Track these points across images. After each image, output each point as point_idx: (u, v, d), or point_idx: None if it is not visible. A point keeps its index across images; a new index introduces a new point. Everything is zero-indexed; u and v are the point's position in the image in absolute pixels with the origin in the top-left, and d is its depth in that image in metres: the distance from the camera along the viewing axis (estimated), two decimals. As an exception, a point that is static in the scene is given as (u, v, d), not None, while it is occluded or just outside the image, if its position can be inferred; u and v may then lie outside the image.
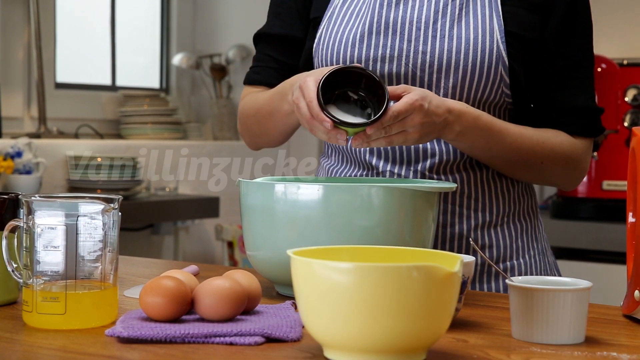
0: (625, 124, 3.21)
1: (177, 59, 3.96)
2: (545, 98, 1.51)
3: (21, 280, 1.09)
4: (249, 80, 1.62)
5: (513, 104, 1.50)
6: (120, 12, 3.86)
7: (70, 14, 3.68)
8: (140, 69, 4.03)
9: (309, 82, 1.31)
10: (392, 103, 1.31)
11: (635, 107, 3.22)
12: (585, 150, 1.52)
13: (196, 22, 4.17)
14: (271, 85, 1.59)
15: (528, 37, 1.46)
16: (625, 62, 3.26)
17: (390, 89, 1.33)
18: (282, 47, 1.60)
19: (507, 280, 1.07)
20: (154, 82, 4.08)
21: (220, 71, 3.99)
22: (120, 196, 1.10)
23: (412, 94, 1.32)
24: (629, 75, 3.22)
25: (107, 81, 3.83)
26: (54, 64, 3.56)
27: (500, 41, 1.44)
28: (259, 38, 1.63)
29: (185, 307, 1.06)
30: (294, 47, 1.59)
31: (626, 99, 3.22)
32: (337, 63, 1.49)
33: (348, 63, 1.48)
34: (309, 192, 1.22)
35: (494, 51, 1.44)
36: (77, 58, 3.74)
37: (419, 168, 1.48)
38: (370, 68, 1.47)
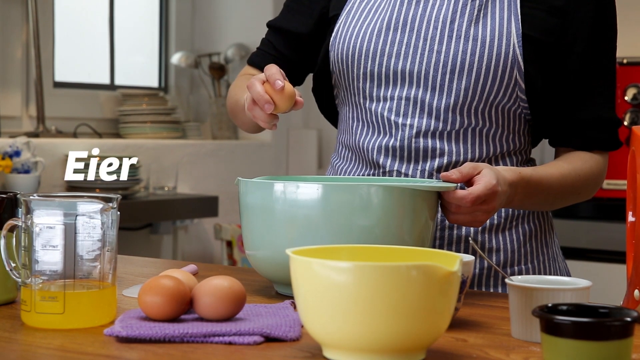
0: (625, 123, 3.21)
1: (175, 58, 3.95)
2: (567, 106, 1.50)
3: (20, 280, 1.09)
4: (249, 60, 1.68)
5: (530, 110, 1.48)
6: (118, 11, 3.86)
7: (69, 13, 3.68)
8: (139, 68, 4.03)
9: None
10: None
11: (635, 106, 3.22)
12: (605, 165, 1.54)
13: (195, 21, 4.16)
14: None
15: (546, 41, 1.45)
16: (625, 61, 3.26)
17: (456, 171, 1.31)
18: (285, 39, 1.63)
19: (506, 280, 1.07)
20: (152, 81, 4.08)
21: (219, 70, 3.99)
22: (118, 195, 1.10)
23: (488, 178, 1.29)
24: (629, 74, 3.22)
25: (105, 80, 3.82)
26: (52, 63, 3.56)
27: (516, 45, 1.42)
28: (269, 26, 1.67)
29: (184, 307, 1.06)
30: (296, 41, 1.62)
31: (626, 97, 3.22)
32: (352, 56, 1.50)
33: (363, 56, 1.49)
34: (308, 191, 1.22)
35: (510, 55, 1.42)
36: (76, 57, 3.73)
37: (427, 168, 1.47)
38: (385, 63, 1.47)
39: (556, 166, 1.48)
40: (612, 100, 1.52)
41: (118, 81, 3.87)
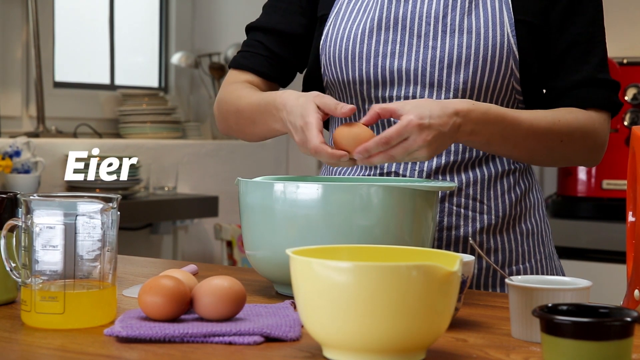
0: (625, 123, 3.21)
1: (175, 58, 3.95)
2: (556, 75, 1.46)
3: (20, 280, 1.09)
4: (236, 64, 1.58)
5: (524, 101, 1.47)
6: (119, 11, 3.86)
7: (69, 13, 3.68)
8: (139, 68, 4.03)
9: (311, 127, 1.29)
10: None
11: (635, 106, 3.22)
12: (601, 122, 1.45)
13: (195, 21, 4.16)
14: (258, 72, 1.56)
15: (539, 24, 1.44)
16: (625, 61, 3.26)
17: (381, 106, 1.28)
18: (276, 38, 1.57)
19: (506, 280, 1.07)
20: (152, 81, 4.08)
21: (219, 70, 3.99)
22: (118, 195, 1.10)
23: (406, 116, 1.25)
24: (629, 74, 3.22)
25: (105, 80, 3.83)
26: (52, 63, 3.56)
27: (510, 34, 1.42)
28: (254, 28, 1.60)
29: (184, 307, 1.06)
30: (289, 40, 1.57)
31: (626, 98, 3.22)
32: (345, 59, 1.47)
33: (357, 59, 1.47)
34: (308, 191, 1.22)
35: (505, 45, 1.42)
36: (76, 57, 3.73)
37: (424, 168, 1.47)
38: (380, 63, 1.45)
39: (530, 110, 1.41)
40: (605, 65, 1.47)
41: (118, 81, 3.87)
